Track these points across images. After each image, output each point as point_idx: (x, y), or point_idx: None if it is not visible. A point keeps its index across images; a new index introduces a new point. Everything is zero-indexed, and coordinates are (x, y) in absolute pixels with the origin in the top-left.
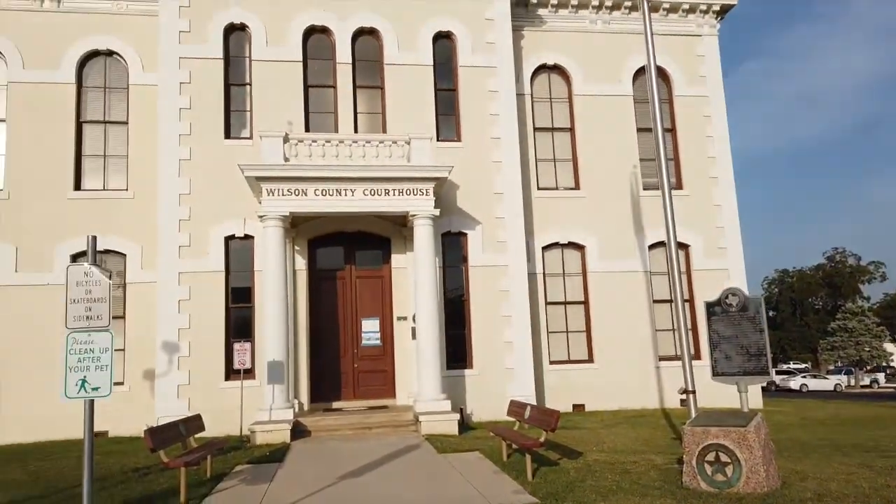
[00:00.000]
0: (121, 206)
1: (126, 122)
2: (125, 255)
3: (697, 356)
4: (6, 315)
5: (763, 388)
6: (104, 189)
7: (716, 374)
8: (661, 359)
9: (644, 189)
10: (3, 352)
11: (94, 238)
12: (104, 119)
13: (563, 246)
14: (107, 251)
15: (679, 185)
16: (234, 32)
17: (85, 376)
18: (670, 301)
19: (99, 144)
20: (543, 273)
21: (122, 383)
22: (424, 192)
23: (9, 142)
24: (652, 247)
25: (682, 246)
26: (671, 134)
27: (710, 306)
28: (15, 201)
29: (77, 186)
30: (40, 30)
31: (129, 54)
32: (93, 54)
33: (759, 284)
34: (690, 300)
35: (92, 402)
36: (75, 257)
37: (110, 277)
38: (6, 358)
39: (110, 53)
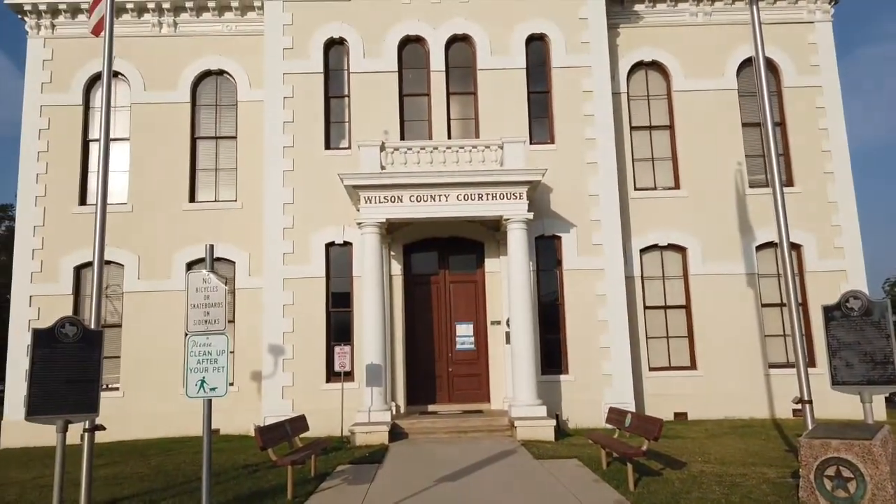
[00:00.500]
0: (230, 215)
1: (235, 137)
2: (234, 262)
3: (812, 363)
4: (131, 319)
5: (886, 398)
6: (215, 200)
7: (836, 382)
8: (771, 366)
9: (750, 187)
10: (128, 353)
11: (212, 247)
12: (215, 135)
13: (663, 248)
14: (218, 259)
15: (790, 182)
16: (334, 47)
17: (204, 377)
18: (780, 305)
19: (211, 158)
20: (642, 276)
21: (232, 384)
22: (517, 195)
23: (132, 159)
24: (759, 248)
25: (794, 246)
26: (780, 128)
27: (828, 310)
28: (137, 214)
29: (192, 198)
30: (159, 54)
31: (237, 73)
32: (205, 74)
33: (880, 286)
34: (804, 304)
35: (210, 401)
36: (190, 265)
37: (226, 283)
38: (131, 359)
39: (221, 73)
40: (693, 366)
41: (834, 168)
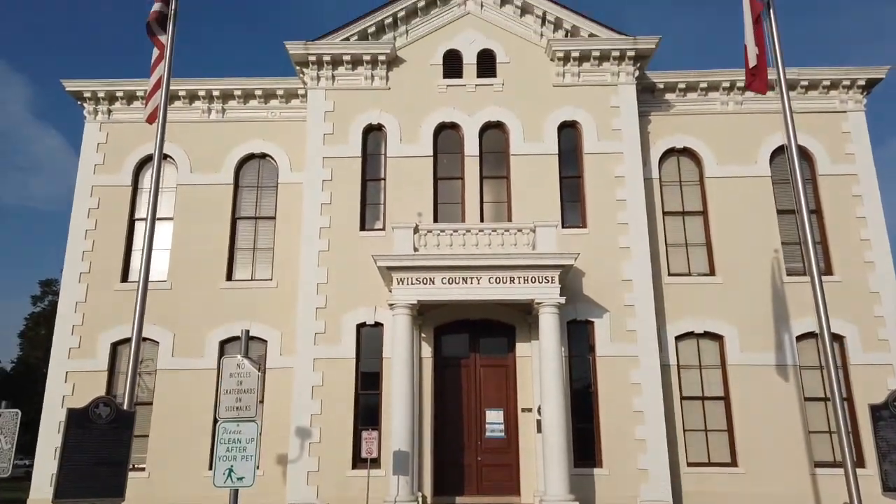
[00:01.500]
0: (265, 294)
1: (273, 218)
2: (266, 341)
3: (860, 463)
4: (162, 397)
5: None
6: (251, 279)
7: (887, 488)
8: (817, 465)
9: (788, 275)
10: (156, 432)
11: (248, 332)
12: (255, 215)
13: (699, 336)
14: (251, 338)
15: (829, 271)
16: (372, 132)
17: (232, 465)
18: (823, 399)
19: (249, 238)
20: (678, 365)
21: (257, 467)
22: (549, 279)
23: (174, 238)
24: (800, 338)
25: (836, 337)
26: (816, 216)
27: (875, 410)
28: (176, 291)
29: (229, 277)
30: (206, 138)
31: (279, 156)
32: (248, 157)
33: None
34: (849, 398)
35: (237, 491)
36: (224, 343)
37: (259, 369)
38: (159, 438)
39: (263, 156)
40: (734, 462)
41: (874, 257)
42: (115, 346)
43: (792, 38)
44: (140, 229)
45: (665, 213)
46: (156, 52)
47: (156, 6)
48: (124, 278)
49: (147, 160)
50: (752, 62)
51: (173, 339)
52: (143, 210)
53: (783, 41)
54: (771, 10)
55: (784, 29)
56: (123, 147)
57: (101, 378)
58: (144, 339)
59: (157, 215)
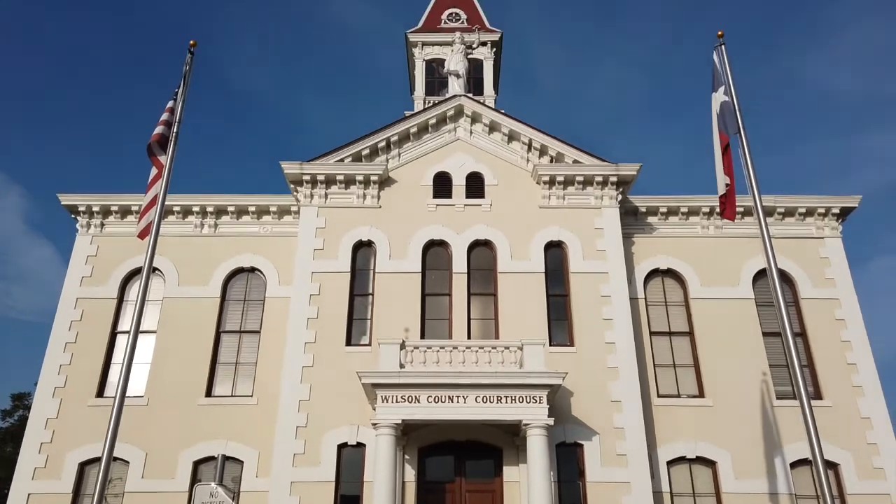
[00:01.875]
0: (244, 411)
1: (258, 332)
2: (242, 462)
3: None
4: None
5: None
6: (231, 395)
7: None
8: None
9: (777, 398)
10: None
11: (224, 457)
12: (240, 329)
13: (691, 461)
14: (226, 458)
15: (818, 395)
16: (362, 248)
17: None
18: None
19: (232, 352)
20: (671, 492)
21: None
22: (537, 399)
23: (155, 352)
24: (794, 465)
25: (830, 465)
26: (801, 339)
27: None
28: (152, 408)
29: (208, 392)
30: (196, 251)
31: (267, 270)
32: (237, 271)
33: None
34: None
35: None
36: (198, 464)
37: (233, 497)
38: None
39: (252, 270)
40: None
41: (862, 382)
42: (82, 467)
43: (769, 166)
44: (121, 343)
45: (652, 333)
46: (154, 170)
47: (158, 129)
48: (100, 393)
49: (135, 273)
50: (721, 190)
51: (145, 458)
52: (126, 323)
53: (759, 169)
54: (744, 140)
55: (760, 157)
56: (112, 260)
57: (64, 501)
58: (115, 459)
59: (141, 328)
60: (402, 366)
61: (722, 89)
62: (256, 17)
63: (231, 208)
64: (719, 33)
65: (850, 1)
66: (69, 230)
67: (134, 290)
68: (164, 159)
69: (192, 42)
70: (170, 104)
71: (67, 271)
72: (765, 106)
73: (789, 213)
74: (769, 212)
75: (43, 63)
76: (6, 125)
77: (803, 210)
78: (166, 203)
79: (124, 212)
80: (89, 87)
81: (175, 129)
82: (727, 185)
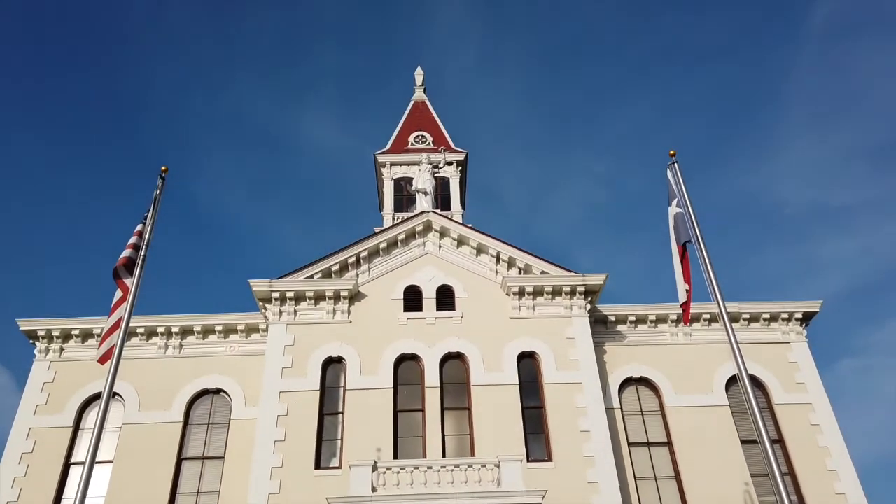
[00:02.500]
0: None
1: (223, 457)
2: None
3: None
4: None
5: None
6: None
7: None
8: None
9: None
10: None
11: None
12: (203, 455)
13: None
14: None
15: None
16: (332, 365)
17: None
18: None
19: (194, 481)
20: None
21: None
22: None
23: (111, 484)
24: None
25: None
26: (779, 446)
27: None
28: None
29: None
30: (159, 374)
31: (234, 391)
32: (202, 393)
33: None
34: None
35: None
36: None
37: None
38: None
39: (217, 391)
40: None
41: (844, 489)
42: None
43: (730, 274)
44: (75, 475)
45: (630, 444)
46: (118, 293)
47: (126, 252)
48: None
49: (93, 399)
50: (682, 298)
51: None
52: (81, 454)
53: (721, 277)
54: (703, 250)
55: (720, 266)
56: (70, 386)
57: None
58: None
59: (97, 458)
60: (374, 489)
61: (675, 202)
62: (226, 141)
63: (197, 328)
64: (671, 152)
65: (792, 121)
66: (27, 356)
67: (91, 418)
68: (130, 282)
69: (163, 168)
70: (139, 227)
71: (21, 399)
72: (720, 217)
73: (754, 318)
74: (734, 318)
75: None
76: None
77: (767, 316)
78: (130, 325)
79: (85, 335)
80: (53, 212)
81: (143, 253)
82: (686, 291)
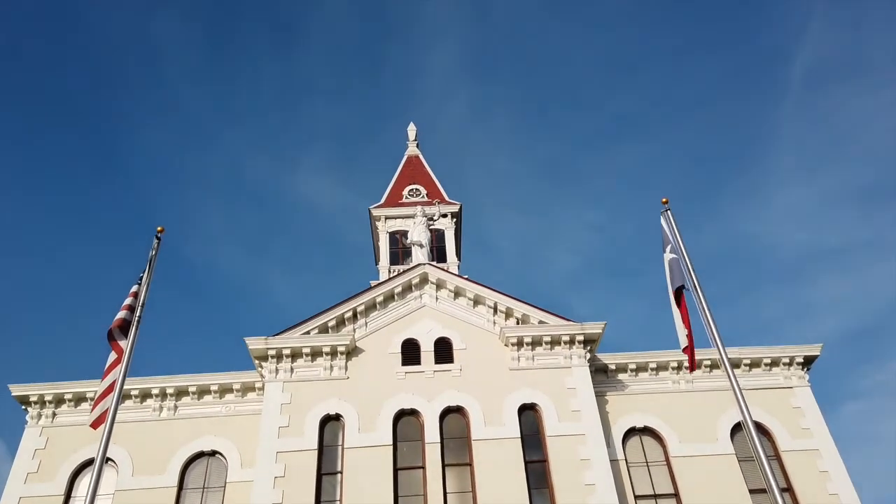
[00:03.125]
0: None
1: None
2: None
3: None
4: None
5: None
6: None
7: None
8: None
9: None
10: None
11: None
12: None
13: None
14: None
15: None
16: (330, 423)
17: None
18: None
19: None
20: None
21: None
22: None
23: None
24: None
25: None
26: (789, 495)
27: None
28: None
29: None
30: (154, 437)
31: (229, 453)
32: (197, 455)
33: None
34: None
35: None
36: None
37: None
38: None
39: (213, 453)
40: None
41: None
42: None
43: (727, 318)
44: None
45: (637, 497)
46: (112, 356)
47: (121, 314)
48: None
49: (86, 466)
50: (684, 343)
51: None
52: None
53: (719, 322)
54: (700, 296)
55: (717, 311)
56: (62, 452)
57: None
58: None
59: None
60: None
61: (669, 247)
62: (219, 199)
63: (192, 389)
64: (664, 200)
65: (779, 166)
66: (18, 423)
67: (84, 485)
68: (125, 344)
69: (159, 228)
70: (133, 288)
71: (12, 467)
72: (714, 262)
73: (755, 363)
74: (735, 364)
75: None
76: None
77: (769, 360)
78: (124, 387)
79: (78, 399)
80: (46, 273)
81: (138, 314)
82: (687, 335)
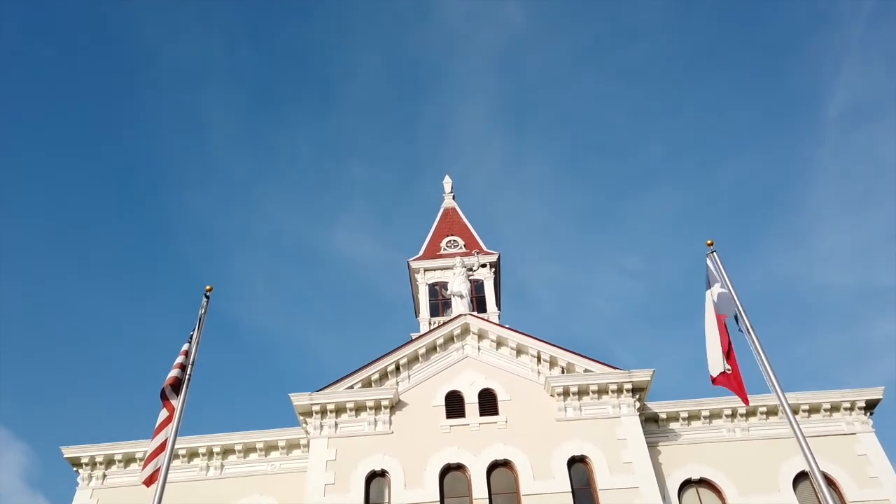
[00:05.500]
0: None
1: None
2: None
3: None
4: None
5: None
6: None
7: None
8: None
9: None
10: None
11: None
12: None
13: None
14: None
15: None
16: (375, 479)
17: None
18: None
19: None
20: None
21: None
22: None
23: None
24: None
25: None
26: None
27: None
28: None
29: None
30: (201, 496)
31: None
32: None
33: None
34: None
35: None
36: None
37: None
38: None
39: None
40: None
41: None
42: None
43: (779, 363)
44: None
45: None
46: (163, 414)
47: (174, 372)
48: None
49: None
50: (715, 370)
51: None
52: None
53: (774, 366)
54: (755, 340)
55: (770, 353)
56: None
57: None
58: None
59: None
60: None
61: (718, 284)
62: (262, 259)
63: (238, 447)
64: (708, 242)
65: (822, 205)
66: (71, 484)
67: None
68: (177, 402)
69: (207, 287)
70: (184, 347)
71: None
72: (762, 305)
73: (814, 409)
74: (794, 409)
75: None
76: (14, 379)
77: (828, 406)
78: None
79: (128, 460)
80: (95, 337)
81: (189, 372)
82: (728, 370)
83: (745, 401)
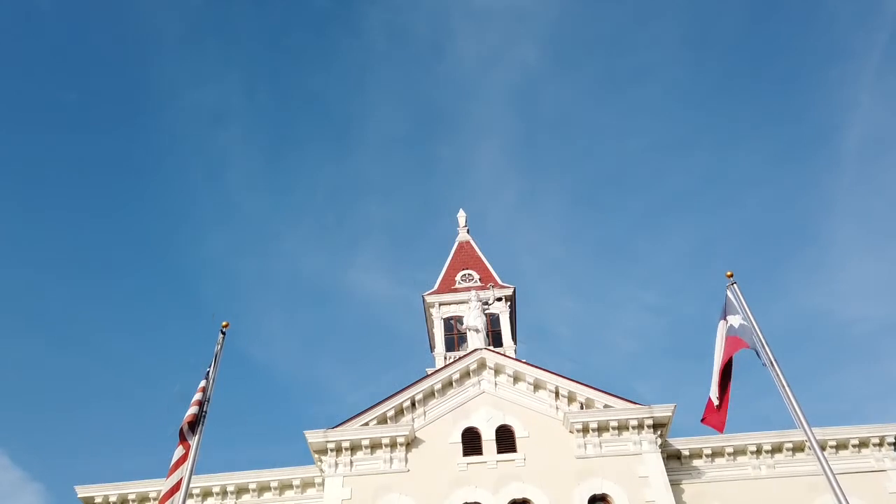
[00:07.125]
0: None
1: None
2: None
3: None
4: None
5: None
6: None
7: None
8: None
9: None
10: None
11: None
12: None
13: None
14: None
15: None
16: None
17: None
18: None
19: None
20: None
21: None
22: None
23: None
24: None
25: None
26: None
27: None
28: None
29: None
30: None
31: None
32: None
33: None
34: None
35: None
36: None
37: None
38: None
39: None
40: None
41: None
42: None
43: (806, 396)
44: None
45: None
46: (178, 452)
47: (192, 410)
48: None
49: None
50: (715, 399)
51: None
52: None
53: (801, 400)
54: (779, 374)
55: (796, 388)
56: None
57: None
58: None
59: None
60: None
61: (739, 317)
62: (277, 297)
63: (252, 485)
64: (728, 273)
65: (844, 238)
66: None
67: None
68: (192, 440)
69: (224, 323)
70: (202, 384)
71: None
72: (784, 339)
73: (842, 445)
74: (821, 446)
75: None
76: (29, 421)
77: (856, 441)
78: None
79: (142, 499)
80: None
81: (205, 409)
82: (718, 398)
83: (720, 428)
